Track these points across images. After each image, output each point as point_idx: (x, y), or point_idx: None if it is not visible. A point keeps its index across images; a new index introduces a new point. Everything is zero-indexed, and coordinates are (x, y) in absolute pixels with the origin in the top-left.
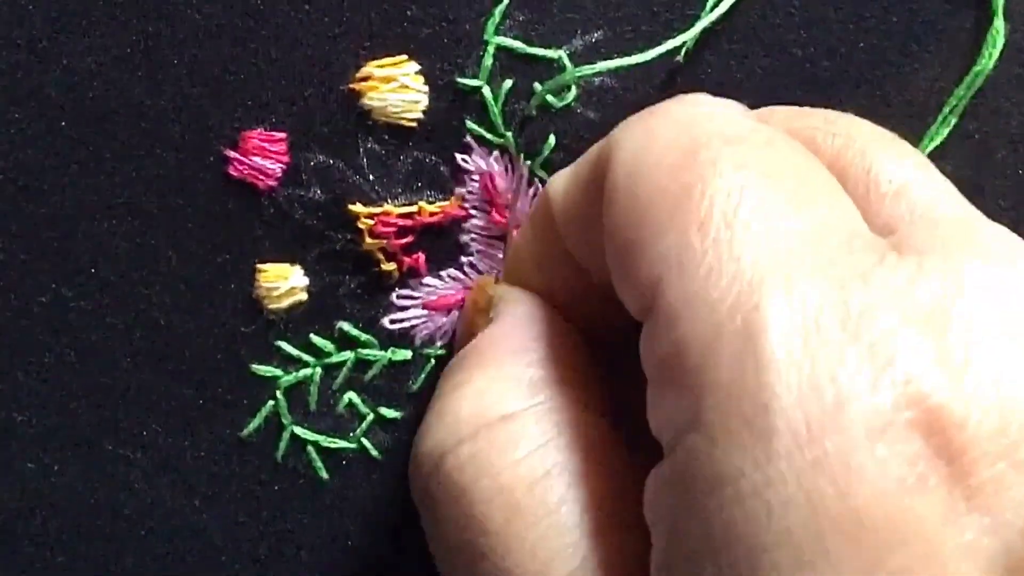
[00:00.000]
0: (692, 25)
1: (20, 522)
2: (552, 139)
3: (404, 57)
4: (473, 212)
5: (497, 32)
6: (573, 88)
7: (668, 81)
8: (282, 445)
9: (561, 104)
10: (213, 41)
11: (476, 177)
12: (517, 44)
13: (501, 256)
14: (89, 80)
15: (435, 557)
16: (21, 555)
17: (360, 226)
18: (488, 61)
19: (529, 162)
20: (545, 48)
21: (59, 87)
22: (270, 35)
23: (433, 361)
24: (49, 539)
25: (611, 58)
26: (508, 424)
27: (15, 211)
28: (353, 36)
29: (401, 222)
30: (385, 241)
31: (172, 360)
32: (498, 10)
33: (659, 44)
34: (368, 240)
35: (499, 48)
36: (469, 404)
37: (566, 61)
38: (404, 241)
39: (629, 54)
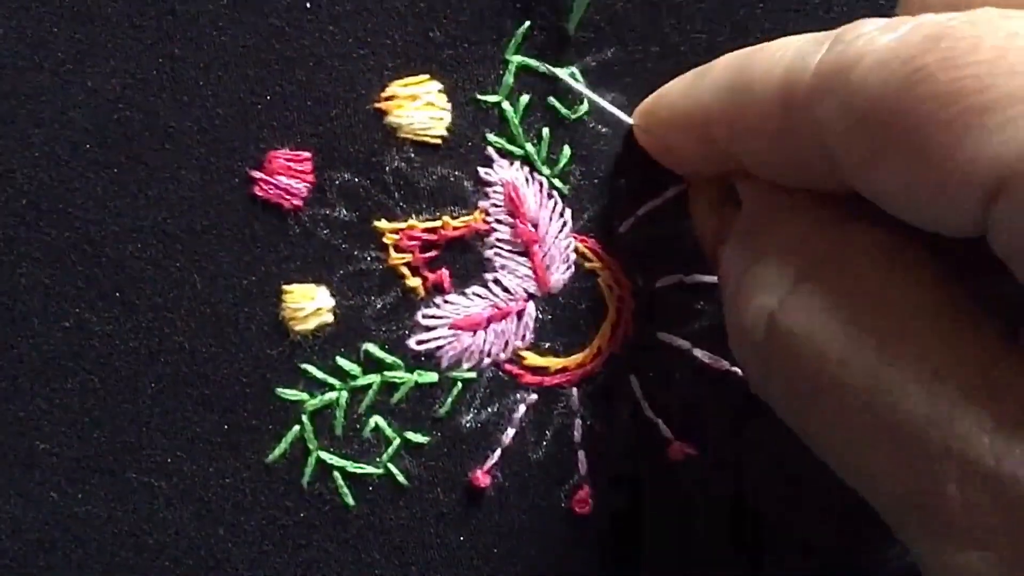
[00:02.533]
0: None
1: (43, 552)
2: (568, 150)
3: (427, 76)
4: (497, 226)
5: (516, 51)
6: (586, 102)
7: None
8: (308, 471)
9: (575, 117)
10: (238, 63)
11: (499, 189)
12: (535, 62)
13: (524, 272)
14: (114, 102)
15: (778, 408)
16: None
17: (385, 242)
18: (509, 79)
19: (548, 172)
20: (558, 66)
21: (83, 110)
22: (295, 56)
23: (460, 385)
24: (72, 569)
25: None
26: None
27: (39, 235)
28: (377, 57)
29: (426, 236)
30: (410, 256)
31: (196, 385)
32: (519, 31)
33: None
34: (393, 255)
35: (519, 66)
36: (777, 263)
37: (578, 76)
38: (429, 255)
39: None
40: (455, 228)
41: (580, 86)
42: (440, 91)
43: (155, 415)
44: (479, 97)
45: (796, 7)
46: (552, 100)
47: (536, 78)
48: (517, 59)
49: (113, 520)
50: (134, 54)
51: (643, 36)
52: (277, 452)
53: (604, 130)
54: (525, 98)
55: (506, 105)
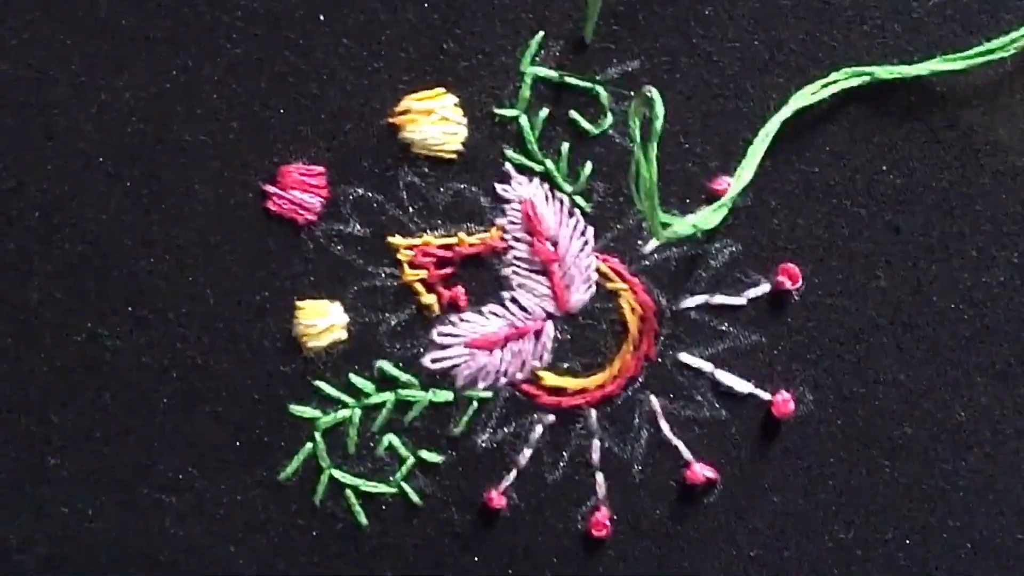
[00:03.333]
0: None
1: (53, 567)
2: (590, 166)
3: (442, 90)
4: (514, 244)
5: (533, 63)
6: (609, 116)
7: (705, 112)
8: (320, 489)
9: (598, 131)
10: (251, 76)
11: (516, 206)
12: (553, 73)
13: (543, 291)
14: (127, 115)
15: None
16: None
17: (400, 258)
18: (526, 92)
19: (569, 189)
20: (580, 78)
21: (97, 123)
22: (309, 70)
23: (475, 404)
24: None
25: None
26: None
27: (51, 249)
28: (391, 70)
29: (441, 253)
30: (425, 272)
31: (209, 401)
32: (534, 41)
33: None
34: (408, 272)
35: (535, 78)
36: None
37: (600, 89)
38: (444, 272)
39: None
40: (471, 245)
41: None
42: (455, 105)
43: (167, 431)
44: (496, 111)
45: (830, 17)
46: (573, 114)
47: (556, 91)
48: (533, 71)
49: (124, 536)
50: (148, 67)
51: (670, 45)
52: (290, 469)
53: (630, 144)
54: (544, 112)
55: (523, 119)
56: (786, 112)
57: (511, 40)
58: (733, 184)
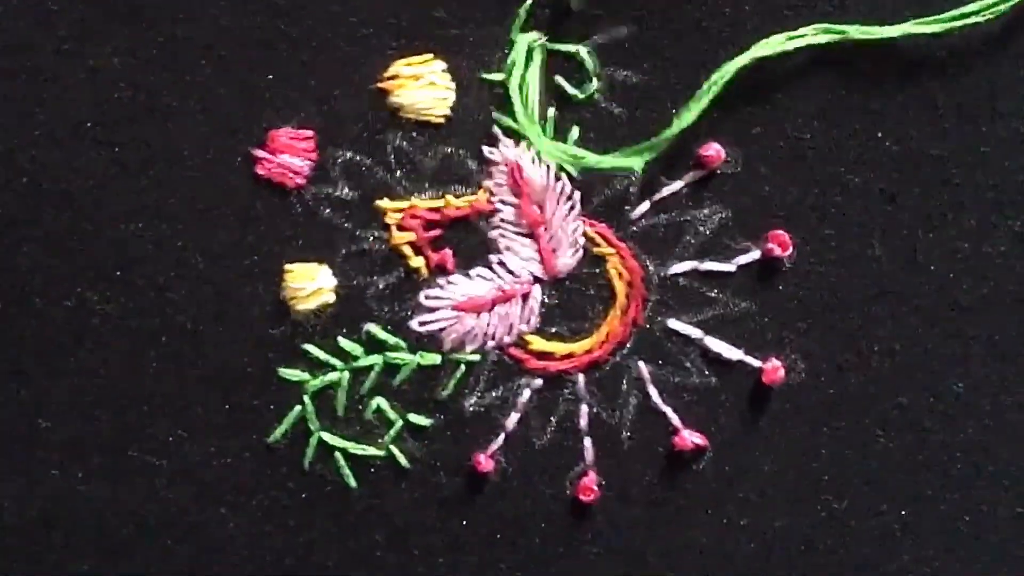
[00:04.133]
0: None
1: (44, 529)
2: (576, 131)
3: (431, 56)
4: (501, 207)
5: (522, 29)
6: (595, 80)
7: (695, 77)
8: (309, 452)
9: (584, 96)
10: (240, 41)
11: (503, 169)
12: (541, 39)
13: (530, 254)
14: (114, 81)
15: None
16: (45, 562)
17: (388, 221)
18: (514, 57)
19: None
20: (568, 43)
21: (84, 89)
22: (298, 35)
23: (463, 368)
24: (73, 547)
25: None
26: None
27: (39, 215)
28: (381, 36)
29: (428, 216)
30: (413, 235)
31: (198, 365)
32: (523, 9)
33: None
34: (395, 235)
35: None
36: None
37: (584, 55)
38: (432, 234)
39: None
40: (458, 208)
41: None
42: (444, 71)
43: (156, 395)
44: (484, 76)
45: None
46: (559, 79)
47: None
48: (521, 36)
49: (114, 498)
50: (135, 33)
51: (660, 11)
52: (278, 432)
53: (617, 110)
54: (533, 76)
55: (512, 84)
56: (744, 60)
57: (500, 8)
58: (672, 127)
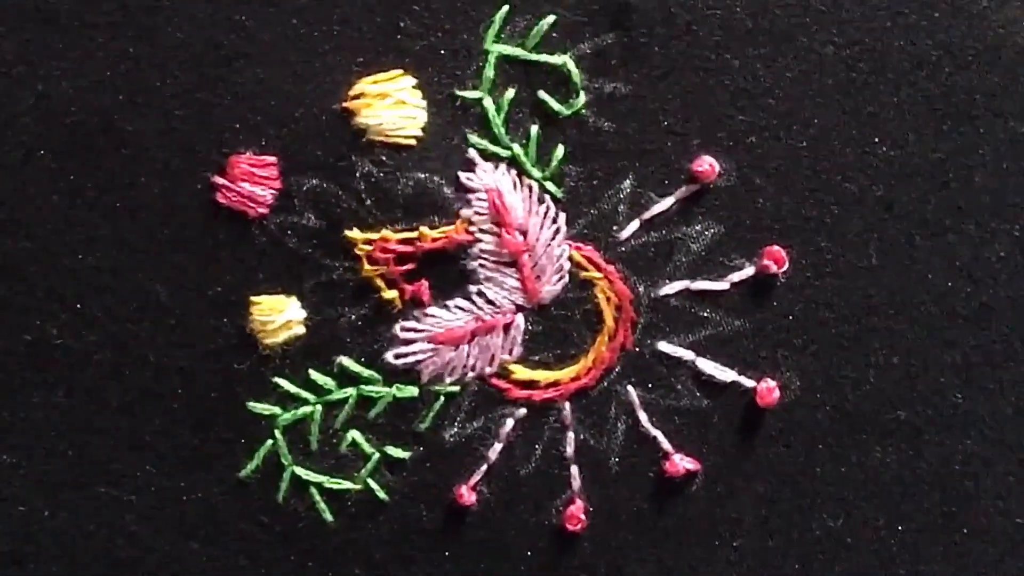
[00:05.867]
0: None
1: (12, 567)
2: (561, 150)
3: (399, 72)
4: (481, 236)
5: (497, 40)
6: (582, 95)
7: (686, 87)
8: (283, 486)
9: (570, 111)
10: (196, 61)
11: (482, 196)
12: (519, 52)
13: (512, 283)
14: (66, 106)
15: None
16: None
17: (357, 252)
18: (489, 72)
19: (539, 175)
20: (549, 54)
21: (35, 114)
22: (256, 53)
23: (443, 399)
24: None
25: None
26: None
27: None
28: (344, 52)
29: (401, 248)
30: (385, 268)
31: (164, 399)
32: (498, 17)
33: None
34: (366, 267)
35: (500, 56)
36: None
37: (572, 67)
38: (405, 268)
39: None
40: (433, 240)
41: None
42: (413, 87)
43: (122, 429)
44: (457, 93)
45: None
46: (542, 94)
47: (522, 69)
48: (498, 48)
49: (83, 534)
50: (86, 54)
51: (646, 16)
52: (250, 467)
53: (606, 125)
54: (510, 92)
55: (487, 101)
56: None
57: (472, 17)
58: None
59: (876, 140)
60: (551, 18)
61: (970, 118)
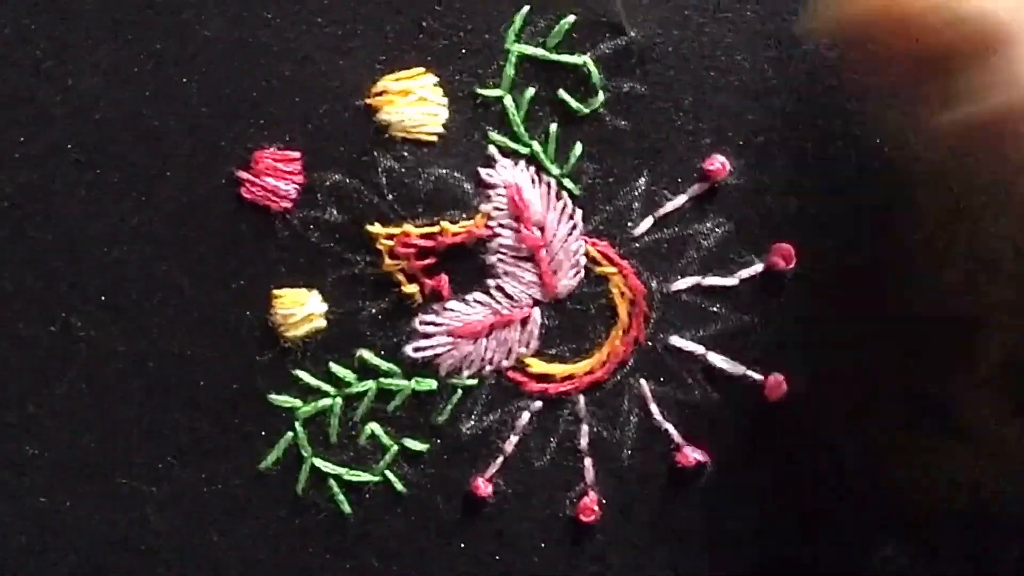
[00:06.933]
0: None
1: (33, 558)
2: (579, 148)
3: (421, 70)
4: (500, 231)
5: (517, 39)
6: (600, 94)
7: (698, 86)
8: (302, 478)
9: (588, 110)
10: (222, 58)
11: (502, 192)
12: (539, 51)
13: (530, 278)
14: (95, 101)
15: None
16: None
17: (379, 247)
18: (510, 70)
19: (557, 172)
20: (569, 54)
21: (64, 108)
22: (282, 51)
23: (460, 392)
24: (62, 575)
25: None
26: None
27: (21, 238)
28: (367, 50)
29: (422, 243)
30: (405, 263)
31: (186, 390)
32: (518, 18)
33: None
34: (388, 262)
35: (520, 56)
36: None
37: (591, 66)
38: (426, 262)
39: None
40: (454, 234)
41: None
42: (435, 85)
43: (144, 420)
44: (478, 91)
45: None
46: (562, 93)
47: (542, 69)
48: (518, 48)
49: (103, 525)
50: (115, 50)
51: (663, 18)
52: (270, 459)
53: (622, 124)
54: (530, 91)
55: (508, 100)
56: None
57: (493, 17)
58: None
59: (878, 140)
60: (571, 18)
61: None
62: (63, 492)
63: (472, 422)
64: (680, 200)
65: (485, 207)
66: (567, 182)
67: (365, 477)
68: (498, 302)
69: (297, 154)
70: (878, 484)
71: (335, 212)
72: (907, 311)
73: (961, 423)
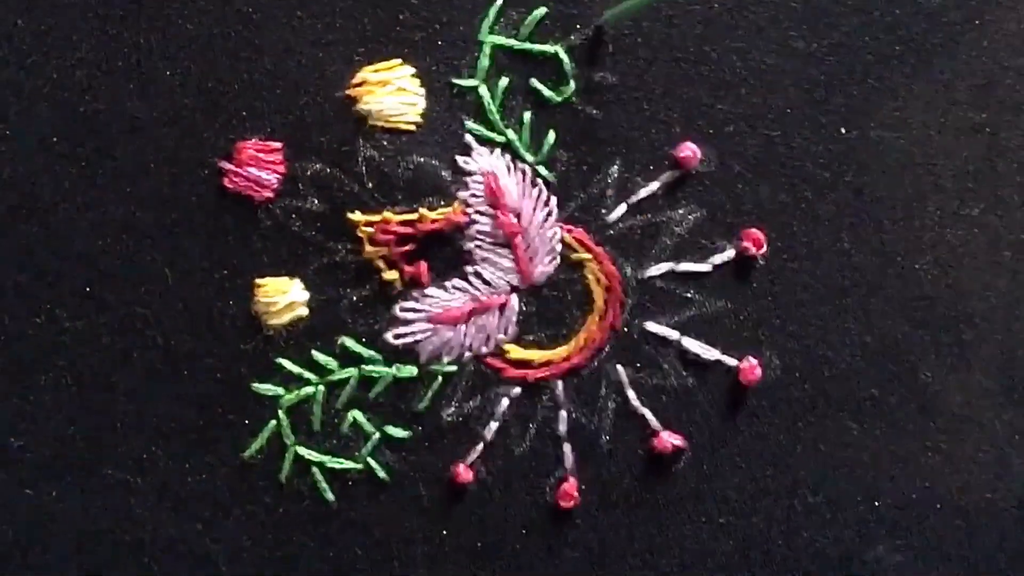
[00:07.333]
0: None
1: (19, 550)
2: (552, 136)
3: (399, 61)
4: (477, 217)
5: (491, 31)
6: (572, 83)
7: (668, 76)
8: (285, 466)
9: (561, 99)
10: (205, 51)
11: (479, 179)
12: (512, 42)
13: (507, 264)
14: (80, 94)
15: None
16: None
17: (359, 234)
18: (484, 61)
19: (532, 159)
20: (542, 43)
21: (49, 102)
22: (263, 44)
23: (440, 379)
24: (48, 565)
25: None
26: None
27: (5, 231)
28: (346, 42)
29: (402, 230)
30: (386, 249)
31: (170, 380)
32: (492, 10)
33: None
34: (368, 248)
35: (494, 47)
36: None
37: (563, 56)
38: (405, 249)
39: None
40: (433, 221)
41: None
42: (413, 75)
43: (129, 411)
44: (454, 81)
45: None
46: (534, 82)
47: (516, 59)
48: (492, 39)
49: (89, 516)
50: (99, 44)
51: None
52: (253, 447)
53: (594, 112)
54: (504, 81)
55: (483, 89)
56: None
57: (468, 9)
58: None
59: (843, 129)
60: (542, 10)
61: (931, 107)
62: (48, 483)
63: (452, 408)
64: (653, 187)
65: (462, 194)
66: (542, 169)
67: (348, 465)
68: (477, 288)
69: (279, 144)
70: (854, 469)
71: (316, 201)
72: (878, 294)
73: (939, 406)
